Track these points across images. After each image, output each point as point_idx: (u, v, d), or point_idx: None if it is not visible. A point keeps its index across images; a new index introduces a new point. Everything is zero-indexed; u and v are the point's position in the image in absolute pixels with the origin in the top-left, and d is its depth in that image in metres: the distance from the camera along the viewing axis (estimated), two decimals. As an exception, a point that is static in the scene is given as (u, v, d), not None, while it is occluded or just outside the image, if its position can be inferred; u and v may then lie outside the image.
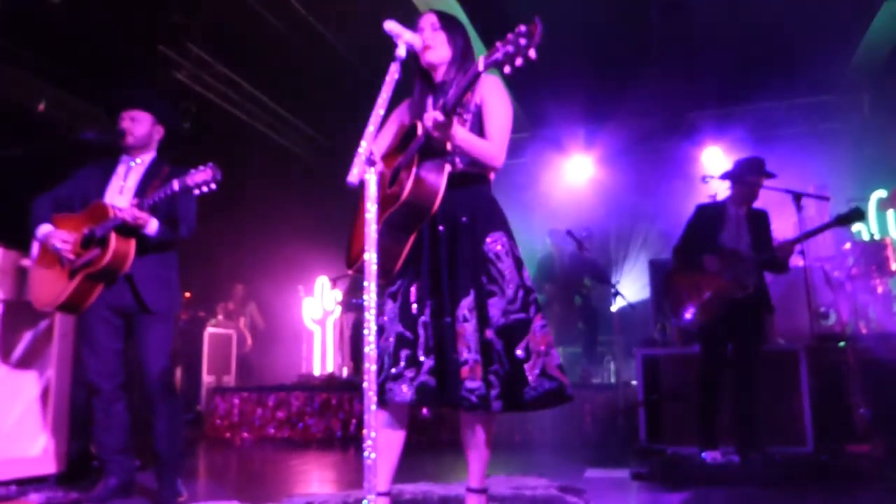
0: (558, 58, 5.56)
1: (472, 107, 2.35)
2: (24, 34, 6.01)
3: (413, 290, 2.30)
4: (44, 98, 6.10)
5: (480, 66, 1.98)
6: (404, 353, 2.23)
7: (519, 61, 1.86)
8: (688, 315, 3.98)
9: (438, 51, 2.40)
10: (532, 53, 1.83)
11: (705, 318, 3.94)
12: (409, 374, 2.21)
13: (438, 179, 2.21)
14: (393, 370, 2.20)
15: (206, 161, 2.82)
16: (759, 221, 4.15)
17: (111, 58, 6.17)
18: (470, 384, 2.16)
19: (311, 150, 9.53)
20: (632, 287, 7.72)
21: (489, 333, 2.22)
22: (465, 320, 2.21)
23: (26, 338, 3.68)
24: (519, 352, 2.22)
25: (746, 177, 4.10)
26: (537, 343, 2.24)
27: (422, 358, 2.22)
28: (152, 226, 2.95)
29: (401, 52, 2.19)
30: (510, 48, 1.86)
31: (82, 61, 6.26)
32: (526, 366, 2.21)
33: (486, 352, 2.20)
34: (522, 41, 1.84)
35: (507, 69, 1.88)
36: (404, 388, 2.19)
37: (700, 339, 4.10)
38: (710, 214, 4.18)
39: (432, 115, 2.12)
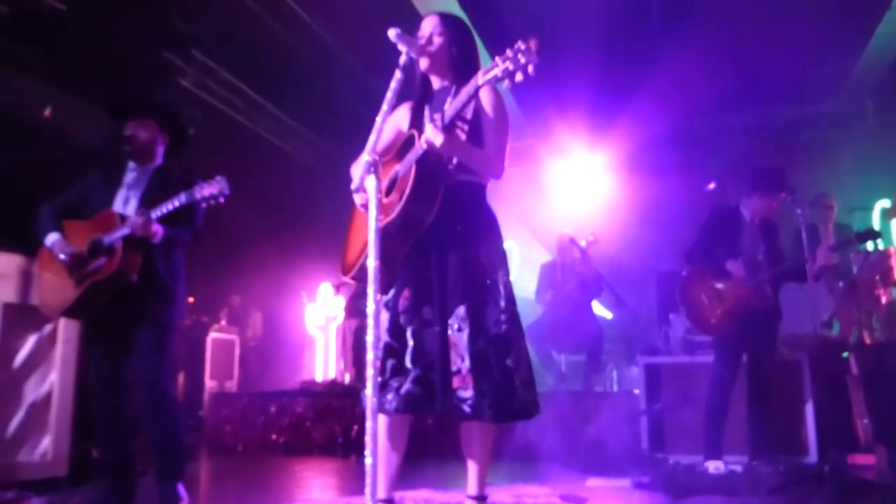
0: (560, 63, 5.56)
1: (469, 115, 2.33)
2: (30, 40, 6.05)
3: (402, 299, 2.31)
4: (49, 104, 6.13)
5: (479, 82, 1.97)
6: (390, 362, 2.24)
7: (519, 77, 1.85)
8: (713, 321, 3.93)
9: (437, 56, 2.38)
10: (531, 70, 1.83)
11: (727, 327, 3.91)
12: (395, 383, 2.22)
13: (435, 192, 2.21)
14: (379, 379, 2.19)
15: (211, 167, 2.83)
16: (771, 230, 4.12)
17: (117, 64, 6.20)
18: (462, 393, 2.16)
19: (314, 156, 9.55)
20: (635, 295, 7.67)
21: (482, 343, 2.21)
22: (459, 329, 2.21)
23: (30, 341, 3.69)
24: (509, 362, 2.22)
25: (771, 189, 4.03)
26: (519, 355, 2.26)
27: (409, 366, 2.22)
28: (159, 236, 2.98)
29: (404, 59, 2.21)
30: (509, 65, 1.85)
31: (88, 68, 6.30)
32: (515, 376, 2.22)
33: (479, 361, 2.19)
34: (522, 58, 1.83)
35: (507, 84, 1.88)
36: (390, 396, 2.20)
37: (716, 348, 4.07)
38: (726, 219, 4.12)
39: (431, 134, 2.11)
